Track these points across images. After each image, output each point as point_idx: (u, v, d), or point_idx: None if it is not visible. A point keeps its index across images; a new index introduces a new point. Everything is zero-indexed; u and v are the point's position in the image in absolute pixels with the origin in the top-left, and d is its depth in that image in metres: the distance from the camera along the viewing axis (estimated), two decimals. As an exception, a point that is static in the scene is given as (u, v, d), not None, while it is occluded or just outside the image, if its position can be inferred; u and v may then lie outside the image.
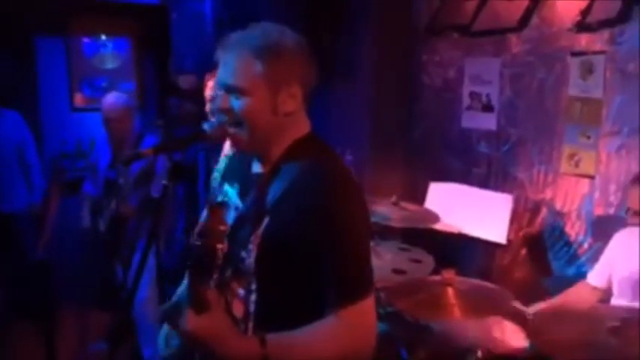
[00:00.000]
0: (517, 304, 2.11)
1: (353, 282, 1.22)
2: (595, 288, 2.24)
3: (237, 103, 1.26)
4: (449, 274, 1.98)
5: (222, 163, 2.74)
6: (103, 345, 3.38)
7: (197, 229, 1.16)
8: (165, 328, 1.44)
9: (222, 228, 1.16)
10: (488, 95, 3.23)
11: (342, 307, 1.20)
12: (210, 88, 2.59)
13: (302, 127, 1.34)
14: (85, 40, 4.38)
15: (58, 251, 3.50)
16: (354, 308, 1.20)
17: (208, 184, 2.37)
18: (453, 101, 3.41)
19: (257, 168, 1.37)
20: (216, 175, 2.79)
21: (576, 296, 2.26)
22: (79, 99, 4.37)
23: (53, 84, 4.28)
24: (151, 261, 2.69)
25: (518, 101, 3.07)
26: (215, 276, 1.19)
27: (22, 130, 3.59)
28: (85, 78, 4.37)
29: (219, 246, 1.16)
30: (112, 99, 3.25)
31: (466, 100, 3.34)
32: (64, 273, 3.45)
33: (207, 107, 2.62)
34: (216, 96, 1.31)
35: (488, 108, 3.24)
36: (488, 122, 3.23)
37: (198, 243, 1.15)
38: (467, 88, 3.34)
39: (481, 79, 3.27)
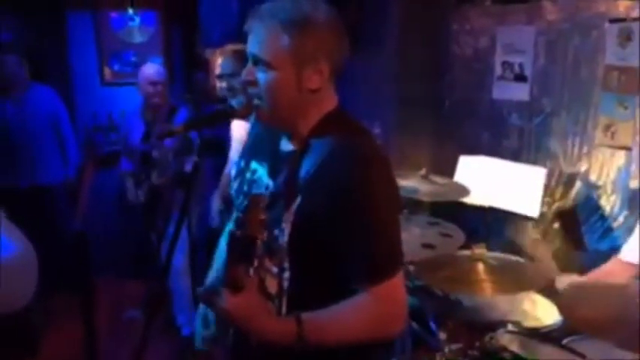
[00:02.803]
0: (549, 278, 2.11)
1: (383, 259, 1.23)
2: (629, 264, 2.19)
3: (261, 77, 1.26)
4: (479, 249, 1.96)
5: (235, 147, 2.76)
6: (138, 313, 3.49)
7: (237, 219, 1.17)
8: (202, 309, 1.48)
9: (262, 218, 1.17)
10: (521, 65, 3.14)
11: (373, 283, 1.22)
12: (218, 64, 2.58)
13: (329, 102, 1.33)
14: (113, 14, 4.39)
15: (94, 222, 3.59)
16: (384, 285, 1.22)
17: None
18: (483, 71, 3.32)
19: (286, 146, 1.37)
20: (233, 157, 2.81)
21: (609, 273, 2.23)
22: (108, 73, 4.42)
23: (83, 58, 4.33)
24: (184, 233, 2.75)
25: (553, 70, 2.98)
26: (255, 264, 1.21)
27: (56, 104, 3.66)
28: (113, 52, 4.40)
29: (260, 236, 1.17)
30: (151, 69, 3.30)
31: (498, 70, 3.25)
32: (99, 243, 3.56)
33: (216, 83, 2.62)
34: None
35: (520, 78, 3.15)
36: (521, 93, 3.14)
37: (238, 233, 1.16)
38: (499, 58, 3.25)
39: (514, 48, 3.17)
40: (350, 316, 1.23)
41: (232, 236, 1.17)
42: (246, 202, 1.20)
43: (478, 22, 3.34)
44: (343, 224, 1.21)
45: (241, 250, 1.18)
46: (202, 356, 1.48)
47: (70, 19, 4.26)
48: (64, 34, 4.24)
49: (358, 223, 1.21)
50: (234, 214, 1.40)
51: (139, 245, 3.50)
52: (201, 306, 1.50)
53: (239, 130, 2.66)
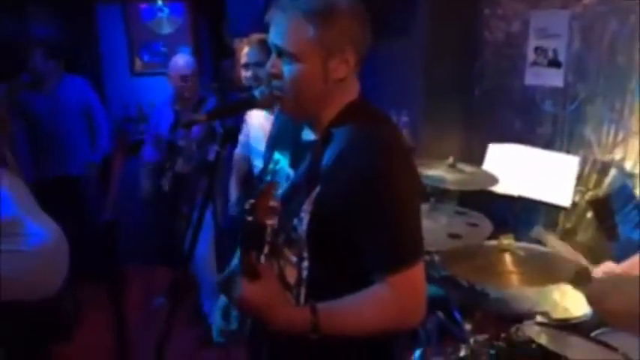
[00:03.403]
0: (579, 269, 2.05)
1: (402, 249, 1.21)
2: None
3: (287, 69, 1.24)
4: (507, 239, 1.92)
5: (246, 131, 2.76)
6: (163, 300, 3.56)
7: (247, 206, 1.17)
8: (223, 302, 1.49)
9: (272, 204, 1.17)
10: (555, 50, 3.04)
11: (391, 273, 1.20)
12: (244, 54, 2.58)
13: (352, 91, 1.32)
14: (143, 5, 4.44)
15: (123, 211, 3.66)
16: (403, 275, 1.20)
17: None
18: (516, 57, 3.23)
19: (307, 135, 1.36)
20: (242, 141, 2.82)
21: None
22: (138, 64, 4.48)
23: (114, 49, 4.40)
24: (210, 221, 2.78)
25: (588, 56, 2.88)
26: (266, 251, 1.20)
27: (89, 94, 3.73)
28: (143, 43, 4.46)
29: (269, 222, 1.17)
30: (182, 60, 3.35)
31: (531, 56, 3.16)
32: (129, 232, 3.63)
33: (242, 73, 2.62)
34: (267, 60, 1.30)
35: (554, 63, 3.05)
36: (555, 79, 3.05)
37: (249, 219, 1.16)
38: (532, 43, 3.15)
39: (548, 32, 3.08)
40: (367, 306, 1.22)
41: (243, 223, 1.17)
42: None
43: (510, 6, 3.25)
44: (363, 213, 1.20)
45: (252, 237, 1.18)
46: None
47: (100, 11, 4.33)
48: (95, 25, 4.31)
49: (378, 212, 1.20)
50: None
51: (166, 233, 3.56)
52: (222, 298, 1.51)
53: (260, 119, 2.66)
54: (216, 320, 1.51)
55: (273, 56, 1.27)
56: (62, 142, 3.65)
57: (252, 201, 1.17)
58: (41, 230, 2.18)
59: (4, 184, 2.18)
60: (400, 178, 1.23)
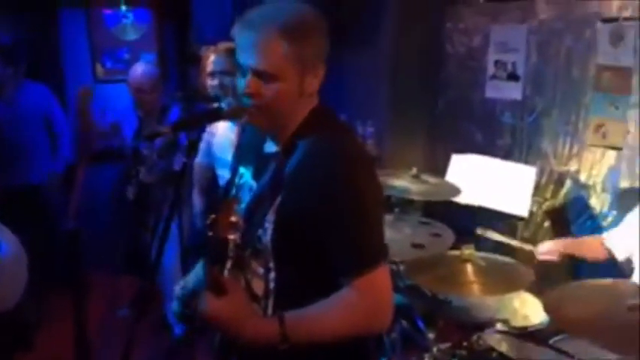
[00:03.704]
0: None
1: (366, 252, 1.24)
2: (606, 249, 2.19)
3: (266, 88, 1.24)
4: (468, 249, 1.97)
5: (207, 139, 2.75)
6: (127, 311, 3.50)
7: (208, 221, 1.18)
8: (180, 291, 1.49)
9: (233, 220, 1.19)
10: (513, 63, 3.15)
11: (354, 277, 1.22)
12: (211, 62, 2.56)
13: (314, 100, 1.34)
14: (107, 11, 4.37)
15: (86, 219, 3.59)
16: (367, 278, 1.21)
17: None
18: (477, 70, 3.33)
19: (270, 147, 1.37)
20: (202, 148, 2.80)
21: (584, 243, 2.29)
22: (100, 70, 4.40)
23: (76, 55, 4.31)
24: (176, 233, 2.74)
25: (545, 70, 2.99)
26: (228, 265, 1.21)
27: (50, 102, 3.64)
28: (106, 49, 4.38)
29: (231, 237, 1.19)
30: (140, 69, 3.27)
31: (491, 69, 3.26)
32: (92, 240, 3.55)
33: (208, 81, 2.60)
34: (241, 78, 1.29)
35: (513, 77, 3.16)
36: (514, 92, 3.15)
37: (210, 234, 1.18)
38: (492, 57, 3.25)
39: (507, 46, 3.18)
40: (335, 311, 1.23)
41: (206, 237, 1.18)
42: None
43: (472, 20, 3.34)
44: (326, 220, 1.22)
45: (214, 252, 1.19)
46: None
47: (63, 16, 4.24)
48: (57, 31, 4.22)
49: (341, 218, 1.22)
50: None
51: (131, 242, 3.50)
52: (178, 288, 1.52)
53: (222, 126, 2.64)
54: (174, 308, 1.51)
55: (249, 77, 1.25)
56: (22, 150, 3.55)
57: (213, 216, 1.18)
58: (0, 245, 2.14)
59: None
60: (362, 186, 1.25)
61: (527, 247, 2.31)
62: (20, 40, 3.62)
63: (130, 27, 4.42)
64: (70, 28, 4.27)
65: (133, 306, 3.48)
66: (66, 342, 2.85)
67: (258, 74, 1.24)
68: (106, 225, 3.64)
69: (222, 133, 2.67)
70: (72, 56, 4.28)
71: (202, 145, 2.85)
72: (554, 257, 2.23)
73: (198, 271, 1.49)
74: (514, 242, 2.39)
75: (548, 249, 2.25)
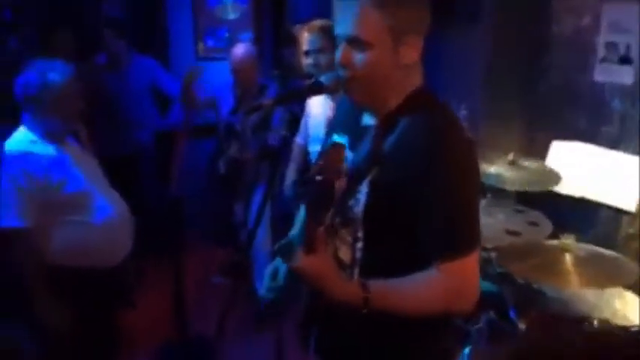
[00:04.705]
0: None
1: (458, 237, 1.23)
2: None
3: (359, 57, 1.26)
4: (568, 239, 1.88)
5: (305, 120, 2.77)
6: (223, 279, 3.67)
7: (316, 166, 1.20)
8: (272, 266, 1.54)
9: (340, 165, 1.21)
10: (627, 45, 2.92)
11: (444, 261, 1.22)
12: (305, 41, 2.59)
13: (417, 78, 1.33)
14: (209, -10, 4.53)
15: (184, 190, 3.79)
16: (456, 264, 1.21)
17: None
18: (585, 52, 3.12)
19: (368, 120, 1.38)
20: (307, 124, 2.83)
21: None
22: (202, 48, 4.58)
23: (180, 34, 4.51)
24: (267, 205, 2.83)
25: (663, 53, 2.75)
26: (329, 216, 1.24)
27: (158, 73, 3.84)
28: (208, 28, 4.55)
29: (338, 182, 1.20)
30: (241, 50, 3.39)
31: (601, 51, 3.04)
32: (188, 211, 3.75)
33: (303, 61, 2.63)
34: (336, 48, 1.31)
35: (626, 60, 2.93)
36: (626, 76, 2.93)
37: (318, 178, 1.19)
38: (603, 38, 3.03)
39: (620, 27, 2.95)
40: (417, 289, 1.25)
41: (312, 182, 1.20)
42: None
43: (581, -2, 3.13)
44: (424, 201, 1.22)
45: (320, 196, 1.21)
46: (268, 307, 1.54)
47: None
48: (163, 9, 4.43)
49: (440, 200, 1.21)
50: None
51: (224, 215, 3.66)
52: (273, 262, 1.56)
53: (321, 106, 2.68)
54: (264, 281, 1.56)
55: (343, 45, 1.28)
56: (131, 119, 3.79)
57: (321, 161, 1.20)
58: (108, 205, 2.31)
59: (76, 159, 2.32)
60: (463, 170, 1.24)
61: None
62: (128, 15, 3.85)
63: (230, 7, 4.56)
64: (175, 7, 4.47)
65: (226, 274, 3.65)
66: (164, 304, 3.05)
67: (350, 42, 1.26)
68: (202, 197, 3.82)
69: (317, 111, 2.71)
70: (176, 34, 4.49)
71: (301, 126, 2.93)
72: None
73: (300, 222, 1.52)
74: None
75: None
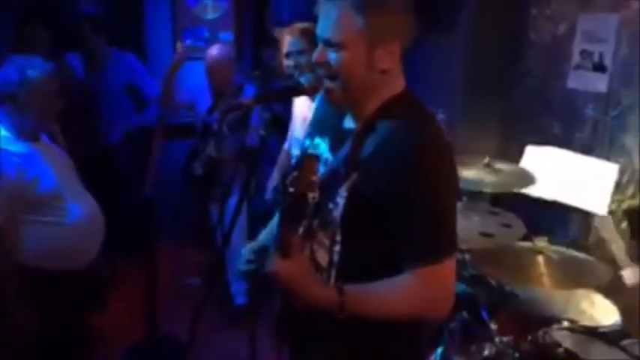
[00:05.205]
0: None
1: (433, 243, 1.23)
2: None
3: (333, 57, 1.27)
4: (541, 241, 1.91)
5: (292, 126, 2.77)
6: (197, 280, 3.64)
7: (289, 178, 1.20)
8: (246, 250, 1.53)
9: (313, 178, 1.21)
10: (601, 54, 2.98)
11: (419, 266, 1.22)
12: (286, 43, 2.60)
13: (397, 84, 1.33)
14: (189, -10, 4.50)
15: (159, 190, 3.75)
16: (431, 269, 1.22)
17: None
18: (560, 59, 3.18)
19: (349, 123, 1.38)
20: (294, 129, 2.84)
21: None
22: (180, 48, 4.53)
23: (158, 33, 4.46)
24: (244, 205, 2.81)
25: (635, 62, 2.81)
26: (304, 223, 1.24)
27: (136, 70, 3.80)
28: (187, 27, 4.52)
29: (311, 195, 1.20)
30: (216, 51, 3.37)
31: (576, 59, 3.11)
32: (162, 211, 3.71)
33: (284, 62, 2.64)
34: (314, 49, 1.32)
35: (599, 68, 3.00)
36: (599, 83, 3.00)
37: (291, 190, 1.19)
38: (578, 46, 3.10)
39: (595, 36, 3.02)
40: (392, 293, 1.25)
41: (285, 194, 1.21)
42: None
43: (559, 7, 3.19)
44: (401, 205, 1.22)
45: (292, 208, 1.21)
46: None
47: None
48: (141, 7, 4.39)
49: (417, 205, 1.22)
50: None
51: (199, 216, 3.63)
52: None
53: (302, 108, 2.68)
54: (239, 267, 1.56)
55: (320, 46, 1.29)
56: (107, 115, 3.74)
57: (294, 173, 1.20)
58: (80, 205, 2.28)
59: (49, 158, 2.28)
60: (440, 176, 1.24)
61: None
62: (107, 12, 3.80)
63: (210, 6, 4.53)
64: (153, 5, 4.43)
65: (200, 275, 3.62)
66: (136, 305, 3.01)
67: (326, 43, 1.27)
68: (176, 198, 3.78)
69: (300, 114, 2.71)
70: (154, 33, 4.44)
71: (289, 133, 2.91)
72: None
73: (272, 227, 1.52)
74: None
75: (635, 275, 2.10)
